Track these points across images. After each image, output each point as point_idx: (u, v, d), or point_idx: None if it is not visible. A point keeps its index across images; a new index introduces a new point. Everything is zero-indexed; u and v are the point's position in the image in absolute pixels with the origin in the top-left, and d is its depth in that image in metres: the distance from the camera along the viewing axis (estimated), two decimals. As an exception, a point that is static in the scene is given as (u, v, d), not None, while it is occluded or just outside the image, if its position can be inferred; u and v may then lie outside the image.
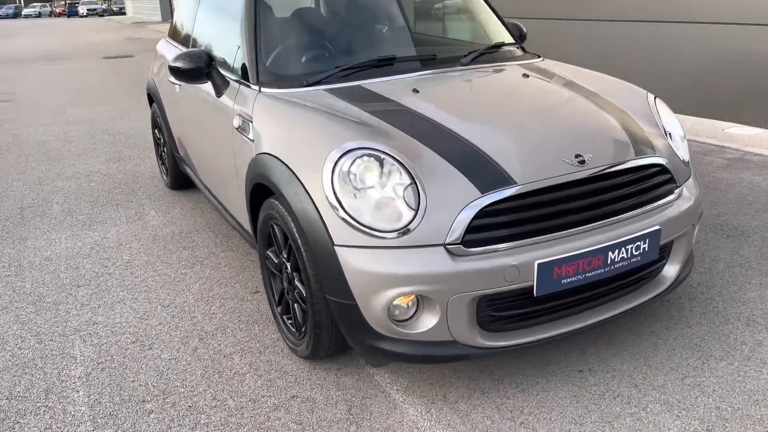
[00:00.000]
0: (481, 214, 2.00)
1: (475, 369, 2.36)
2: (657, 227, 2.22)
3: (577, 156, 2.16)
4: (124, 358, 2.55)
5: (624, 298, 2.35)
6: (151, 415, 2.20)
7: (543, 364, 2.38)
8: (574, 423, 2.06)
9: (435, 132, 2.23)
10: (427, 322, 2.05)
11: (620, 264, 2.17)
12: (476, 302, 2.04)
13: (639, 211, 2.23)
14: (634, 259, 2.20)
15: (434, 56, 2.94)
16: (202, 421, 2.16)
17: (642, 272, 2.37)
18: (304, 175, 2.17)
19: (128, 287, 3.15)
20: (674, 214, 2.31)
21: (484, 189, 2.03)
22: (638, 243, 2.19)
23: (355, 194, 2.03)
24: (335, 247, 2.04)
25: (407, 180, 2.03)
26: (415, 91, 2.58)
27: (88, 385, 2.36)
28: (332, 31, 3.07)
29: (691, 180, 2.52)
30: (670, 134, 2.54)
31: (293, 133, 2.34)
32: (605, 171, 2.17)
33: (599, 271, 2.13)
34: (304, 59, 2.88)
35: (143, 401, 2.28)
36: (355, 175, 2.05)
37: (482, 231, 2.01)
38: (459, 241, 1.98)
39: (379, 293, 2.00)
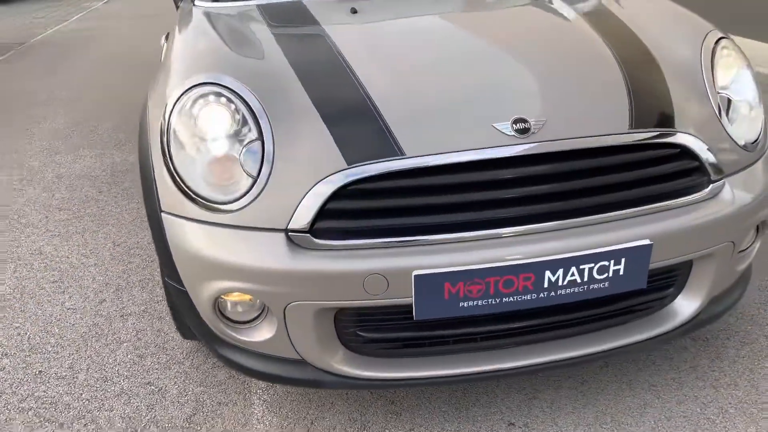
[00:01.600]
0: (344, 193, 1.38)
1: (373, 392, 1.78)
2: (646, 242, 1.43)
3: (518, 121, 1.42)
4: (30, 298, 2.32)
5: (595, 334, 1.61)
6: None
7: (468, 404, 1.73)
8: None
9: (330, 72, 1.59)
10: (265, 331, 1.50)
11: (569, 290, 1.43)
12: (333, 315, 1.46)
13: (616, 214, 1.45)
14: (596, 286, 1.44)
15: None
16: (37, 394, 1.85)
17: (628, 303, 1.60)
18: (150, 115, 1.68)
19: (103, 217, 2.91)
20: (689, 224, 1.48)
21: (352, 159, 1.39)
22: (603, 263, 1.42)
23: (187, 146, 1.50)
24: (162, 214, 1.55)
25: (254, 134, 1.46)
26: (353, 11, 1.92)
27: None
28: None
29: (748, 172, 1.62)
30: (728, 99, 1.64)
31: (167, 60, 1.83)
32: (564, 147, 1.41)
33: (528, 297, 1.42)
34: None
35: (4, 355, 2.03)
36: (195, 119, 1.52)
37: (342, 218, 1.39)
38: (306, 229, 1.39)
39: (204, 283, 1.49)
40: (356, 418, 1.70)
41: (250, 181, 1.43)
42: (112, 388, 1.86)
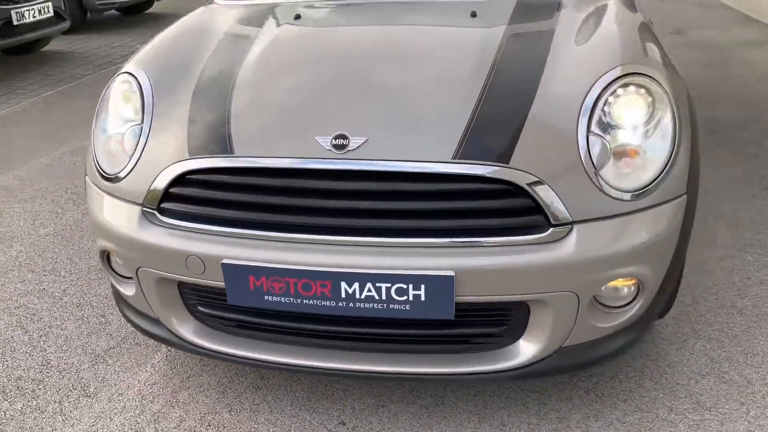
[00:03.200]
0: (185, 181, 1.57)
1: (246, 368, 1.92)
2: (449, 273, 1.42)
3: (338, 137, 1.48)
4: None
5: (430, 357, 1.61)
6: None
7: (319, 396, 1.82)
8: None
9: (221, 74, 1.77)
10: (131, 288, 1.75)
11: (369, 305, 1.48)
12: (177, 285, 1.66)
13: (422, 241, 1.45)
14: (396, 306, 1.47)
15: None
16: (21, 305, 2.31)
17: (460, 332, 1.57)
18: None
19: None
20: (509, 264, 1.43)
21: (192, 152, 1.57)
22: (403, 285, 1.44)
23: (102, 122, 1.78)
24: (85, 178, 1.86)
25: (139, 119, 1.70)
26: (297, 17, 2.04)
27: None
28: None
29: (612, 221, 1.48)
30: (604, 143, 1.51)
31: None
32: (374, 167, 1.45)
33: (328, 303, 1.49)
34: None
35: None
36: (108, 101, 1.80)
37: (184, 202, 1.58)
38: (154, 207, 1.60)
39: (96, 238, 1.78)
40: (224, 383, 1.89)
41: (126, 158, 1.68)
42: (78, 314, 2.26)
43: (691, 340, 1.98)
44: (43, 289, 2.40)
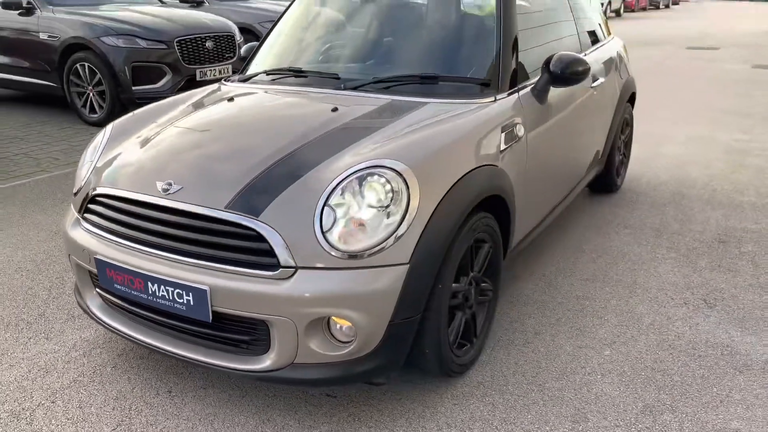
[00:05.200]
0: (95, 199, 2.37)
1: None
2: (204, 287, 2.02)
3: (169, 183, 2.16)
4: None
5: (196, 346, 2.18)
6: None
7: (170, 371, 2.47)
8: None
9: (148, 132, 2.57)
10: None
11: (163, 301, 2.12)
12: (87, 269, 2.45)
13: (192, 261, 2.06)
14: (178, 305, 2.10)
15: (337, 76, 2.86)
16: None
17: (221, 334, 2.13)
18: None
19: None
20: (245, 289, 1.98)
21: (100, 183, 2.37)
22: (180, 291, 2.07)
23: (80, 162, 2.68)
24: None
25: (94, 158, 2.55)
26: (230, 99, 2.77)
27: None
28: (318, 36, 3.27)
29: (328, 272, 1.96)
30: (335, 215, 2.00)
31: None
32: (177, 207, 2.10)
33: (143, 296, 2.17)
34: (270, 57, 3.28)
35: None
36: (89, 146, 2.70)
37: (95, 214, 2.37)
38: (80, 213, 2.43)
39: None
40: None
41: (79, 183, 2.54)
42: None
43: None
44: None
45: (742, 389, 2.31)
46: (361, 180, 2.05)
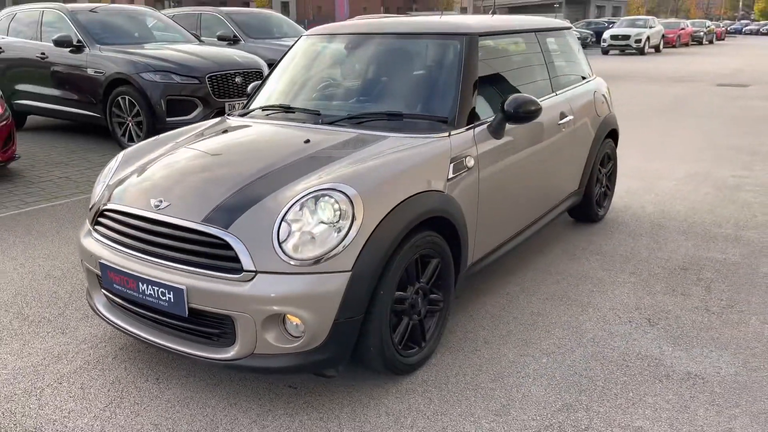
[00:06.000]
0: (103, 213, 2.82)
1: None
2: (181, 286, 2.42)
3: (160, 200, 2.59)
4: None
5: (175, 337, 2.58)
6: None
7: (159, 362, 2.87)
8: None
9: (152, 158, 3.03)
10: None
11: (151, 299, 2.54)
12: (95, 272, 2.89)
13: (173, 264, 2.47)
14: (162, 302, 2.51)
15: (318, 112, 3.28)
16: None
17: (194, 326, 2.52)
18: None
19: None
20: (213, 288, 2.37)
21: (113, 199, 2.82)
22: (163, 290, 2.48)
23: (96, 182, 3.16)
24: (90, 208, 3.24)
25: (107, 178, 3.02)
26: (224, 132, 3.21)
27: None
28: (308, 78, 3.70)
29: (282, 276, 2.34)
30: (291, 228, 2.38)
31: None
32: (166, 220, 2.53)
33: (136, 294, 2.59)
34: (267, 95, 3.73)
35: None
36: (104, 169, 3.17)
37: (102, 226, 2.82)
38: (92, 223, 2.88)
39: (81, 242, 3.15)
40: (115, 352, 3.05)
41: (94, 199, 3.00)
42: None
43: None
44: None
45: (656, 395, 2.57)
46: (316, 199, 2.44)
